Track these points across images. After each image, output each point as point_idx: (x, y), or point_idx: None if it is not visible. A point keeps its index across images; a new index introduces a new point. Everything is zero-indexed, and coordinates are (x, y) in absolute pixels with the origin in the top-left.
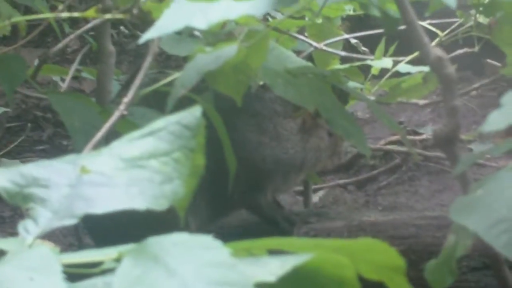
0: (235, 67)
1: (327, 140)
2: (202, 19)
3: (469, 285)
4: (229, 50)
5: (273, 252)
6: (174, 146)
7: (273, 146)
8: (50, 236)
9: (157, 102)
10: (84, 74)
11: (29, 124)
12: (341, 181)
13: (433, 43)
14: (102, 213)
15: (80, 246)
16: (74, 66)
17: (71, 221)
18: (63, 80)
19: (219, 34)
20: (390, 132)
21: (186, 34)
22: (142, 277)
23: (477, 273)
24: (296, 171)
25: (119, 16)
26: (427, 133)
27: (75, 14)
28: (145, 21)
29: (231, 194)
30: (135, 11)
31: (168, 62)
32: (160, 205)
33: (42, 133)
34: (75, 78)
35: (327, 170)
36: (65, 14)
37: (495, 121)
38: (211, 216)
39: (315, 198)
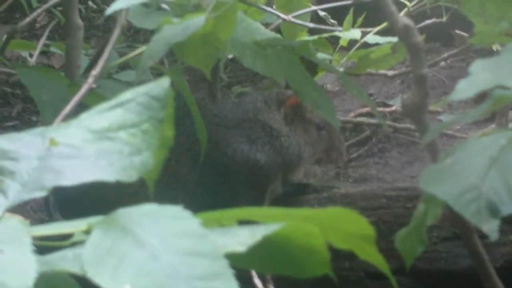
0: (204, 39)
1: (316, 134)
2: None
3: (440, 255)
4: (197, 21)
5: (243, 222)
6: (142, 118)
7: (266, 151)
8: (21, 211)
9: None
10: (52, 49)
11: None
12: None
13: (401, 13)
14: (74, 189)
15: (50, 221)
16: (42, 40)
17: (40, 194)
18: (32, 55)
19: (187, 6)
20: (360, 105)
21: (154, 7)
22: (112, 248)
23: (447, 243)
24: (294, 165)
25: None
26: (396, 105)
27: None
28: None
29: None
30: None
31: (137, 36)
32: (129, 176)
33: (12, 109)
34: (44, 53)
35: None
36: None
37: (463, 89)
38: None
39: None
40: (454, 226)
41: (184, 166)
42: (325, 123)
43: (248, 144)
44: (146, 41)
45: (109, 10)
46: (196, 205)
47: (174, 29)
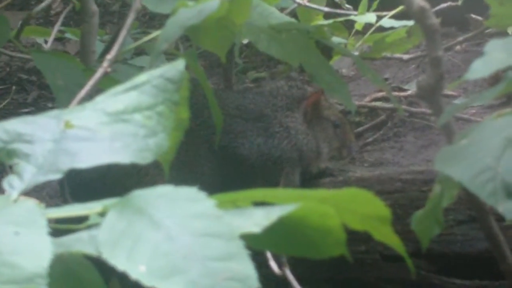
0: (219, 22)
1: (332, 132)
2: None
3: (456, 238)
4: (212, 4)
5: (258, 204)
6: (158, 100)
7: (283, 147)
8: (37, 197)
9: None
10: (67, 35)
11: (13, 87)
12: None
13: None
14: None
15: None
16: (57, 26)
17: (55, 176)
18: (47, 42)
19: None
20: (375, 89)
21: None
22: (127, 230)
23: (463, 226)
24: (312, 161)
25: None
26: (412, 89)
27: None
28: None
29: None
30: None
31: (152, 22)
32: (145, 158)
33: (27, 95)
34: (59, 40)
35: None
36: None
37: (478, 69)
38: None
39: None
40: (470, 209)
41: (200, 157)
42: (340, 121)
43: (265, 138)
44: (161, 26)
45: None
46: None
47: (189, 12)
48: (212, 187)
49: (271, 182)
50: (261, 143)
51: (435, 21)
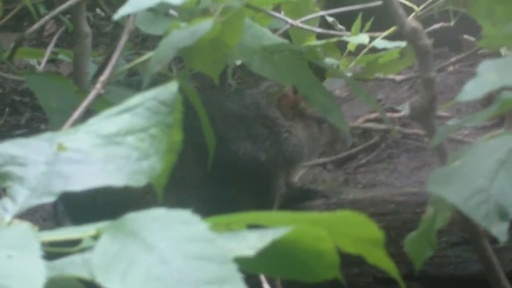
0: (212, 44)
1: (317, 129)
2: None
3: (449, 260)
4: (205, 25)
5: (252, 227)
6: (151, 122)
7: (267, 148)
8: (30, 220)
9: None
10: (61, 56)
11: (6, 109)
12: (320, 160)
13: (409, 17)
14: (84, 196)
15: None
16: (50, 47)
17: (49, 199)
18: (40, 63)
19: (195, 11)
20: (368, 111)
21: (162, 13)
22: (121, 253)
23: (457, 248)
24: (295, 162)
25: None
26: (405, 110)
27: None
28: None
29: (234, 203)
30: None
31: (145, 44)
32: (138, 181)
33: (20, 117)
34: (52, 61)
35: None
36: None
37: (471, 90)
38: None
39: (295, 177)
40: (463, 231)
41: (190, 163)
42: None
43: (250, 141)
44: (154, 48)
45: (117, 15)
46: (204, 203)
47: (182, 34)
48: (203, 193)
49: (259, 187)
50: (248, 147)
51: (428, 41)
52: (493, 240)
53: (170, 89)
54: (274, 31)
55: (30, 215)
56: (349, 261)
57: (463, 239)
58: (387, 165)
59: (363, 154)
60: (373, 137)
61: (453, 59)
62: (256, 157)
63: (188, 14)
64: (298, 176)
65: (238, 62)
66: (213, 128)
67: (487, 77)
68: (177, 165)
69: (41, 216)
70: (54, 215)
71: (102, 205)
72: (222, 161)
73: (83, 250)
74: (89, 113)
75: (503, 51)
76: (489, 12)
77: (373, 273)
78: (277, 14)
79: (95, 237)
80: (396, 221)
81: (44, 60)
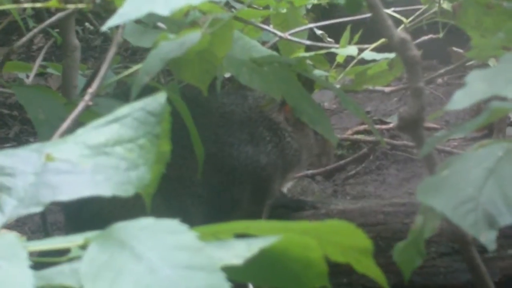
0: (200, 55)
1: (314, 138)
2: (164, 5)
3: (439, 270)
4: (193, 36)
5: (240, 236)
6: (139, 133)
7: (268, 151)
8: (19, 232)
9: None
10: (49, 70)
11: None
12: (309, 172)
13: (398, 29)
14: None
15: None
16: (39, 61)
17: (37, 209)
18: (28, 77)
19: (183, 23)
20: (357, 122)
21: (151, 25)
22: (109, 262)
23: (446, 258)
24: (292, 167)
25: (82, 5)
26: (393, 122)
27: (38, 5)
28: (108, 10)
29: (233, 207)
30: (97, 0)
31: (134, 57)
32: (126, 191)
33: (9, 130)
34: (40, 75)
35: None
36: (28, 5)
37: (459, 100)
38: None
39: (284, 189)
40: (452, 241)
41: (188, 169)
42: None
43: (252, 145)
44: (143, 61)
45: (105, 27)
46: (204, 208)
47: (170, 45)
48: (202, 197)
49: (256, 191)
50: (249, 151)
51: (416, 52)
52: (482, 250)
53: (158, 99)
54: (263, 43)
55: (19, 227)
56: (338, 270)
57: (452, 249)
58: (376, 177)
59: (352, 165)
60: (362, 148)
61: (441, 71)
62: (257, 160)
63: (176, 26)
64: (286, 187)
65: (227, 75)
66: (215, 132)
67: (476, 87)
68: (177, 171)
69: (29, 229)
70: (43, 227)
71: (106, 218)
72: (223, 165)
73: (71, 260)
74: (78, 125)
75: (491, 62)
76: (478, 23)
77: (362, 283)
78: (266, 27)
79: (83, 247)
80: (385, 231)
81: (32, 74)
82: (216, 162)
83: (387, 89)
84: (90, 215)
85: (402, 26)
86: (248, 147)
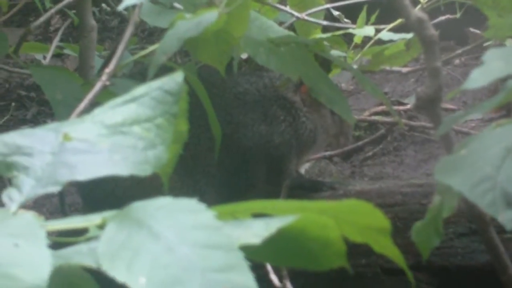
0: (217, 36)
1: (331, 118)
2: None
3: (456, 251)
4: (210, 16)
5: (257, 216)
6: (156, 112)
7: (282, 131)
8: (37, 213)
9: None
10: (66, 51)
11: (13, 104)
12: (327, 153)
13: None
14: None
15: None
16: (55, 42)
17: (54, 188)
18: (45, 58)
19: (200, 2)
20: (375, 103)
21: (167, 6)
22: (127, 242)
23: (464, 238)
24: (308, 148)
25: None
26: (411, 103)
27: None
28: None
29: (248, 187)
30: None
31: (151, 38)
32: (143, 171)
33: (27, 112)
34: (57, 56)
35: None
36: None
37: (477, 78)
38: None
39: (301, 170)
40: (470, 222)
41: (203, 148)
42: None
43: (265, 124)
44: (159, 41)
45: (121, 6)
46: (218, 187)
47: (187, 25)
48: (217, 178)
49: (272, 171)
50: (263, 130)
51: (433, 32)
52: (500, 230)
53: (175, 79)
54: (280, 24)
55: (37, 208)
56: (356, 251)
57: (470, 229)
58: (393, 158)
59: (370, 146)
60: (380, 129)
61: (459, 51)
62: (271, 140)
63: (193, 5)
64: (304, 169)
65: (244, 56)
66: (229, 112)
67: (493, 65)
68: (192, 150)
69: (47, 210)
70: (61, 208)
71: (122, 199)
72: (238, 145)
73: (89, 239)
74: (95, 106)
75: (508, 42)
76: (495, 2)
77: (380, 263)
78: (282, 7)
79: (101, 227)
80: (403, 212)
81: (49, 55)
82: (231, 143)
83: (404, 70)
84: (104, 194)
85: (419, 6)
86: (262, 127)
